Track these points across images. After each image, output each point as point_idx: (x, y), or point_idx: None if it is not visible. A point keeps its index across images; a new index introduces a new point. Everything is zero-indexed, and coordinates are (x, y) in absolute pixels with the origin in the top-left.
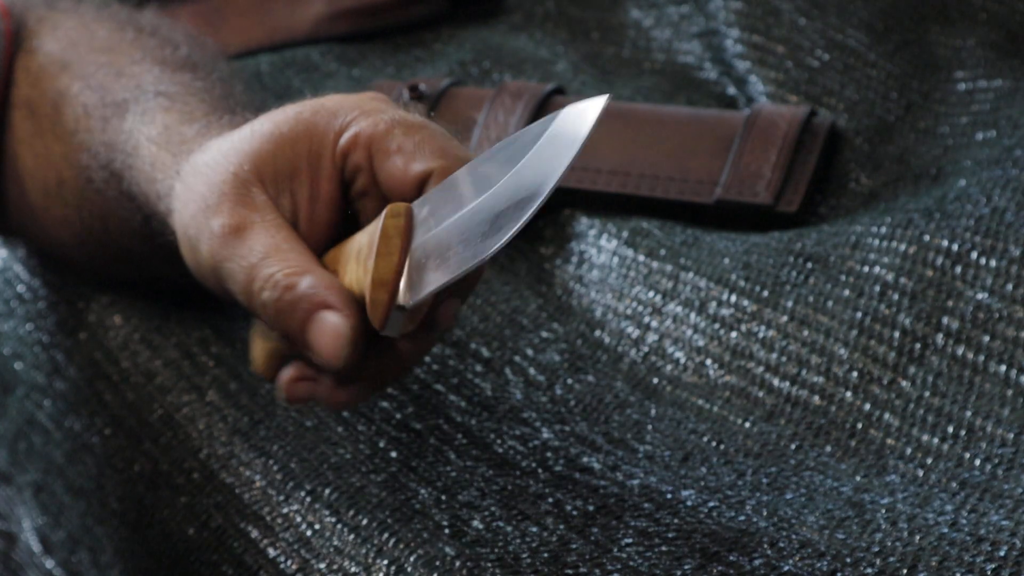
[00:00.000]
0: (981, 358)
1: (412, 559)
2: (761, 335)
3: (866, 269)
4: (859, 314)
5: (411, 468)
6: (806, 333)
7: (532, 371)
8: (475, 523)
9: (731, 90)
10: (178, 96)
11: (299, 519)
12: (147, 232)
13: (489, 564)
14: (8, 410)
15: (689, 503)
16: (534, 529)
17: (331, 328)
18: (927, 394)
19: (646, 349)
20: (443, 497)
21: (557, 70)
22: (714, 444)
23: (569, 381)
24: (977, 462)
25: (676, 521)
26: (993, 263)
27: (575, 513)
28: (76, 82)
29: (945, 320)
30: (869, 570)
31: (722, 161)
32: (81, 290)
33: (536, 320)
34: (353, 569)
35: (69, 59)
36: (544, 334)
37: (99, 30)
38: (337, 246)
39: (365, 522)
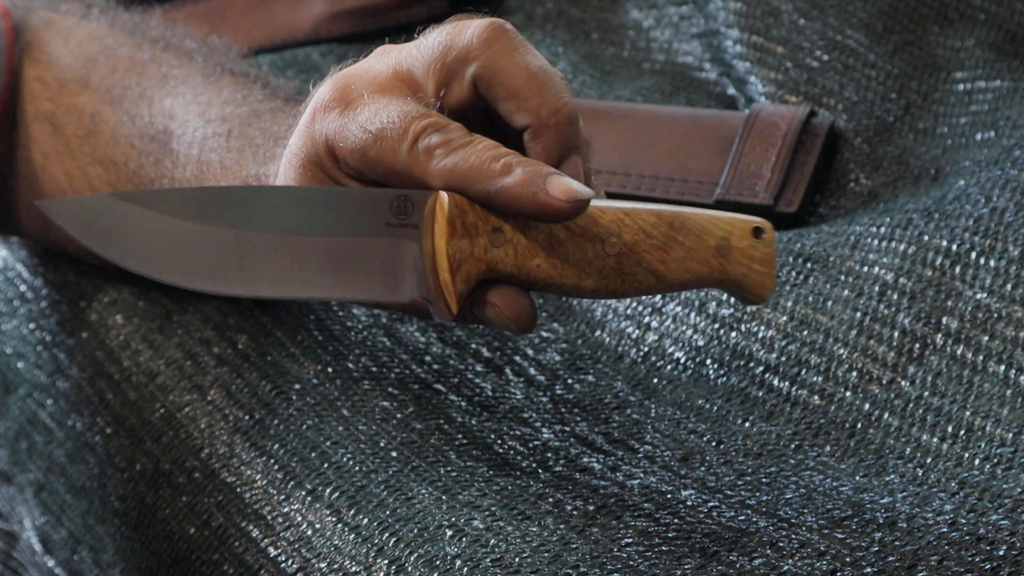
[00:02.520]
0: (980, 358)
1: (412, 559)
2: (761, 335)
3: (865, 269)
4: (858, 314)
5: (412, 468)
6: (806, 333)
7: (532, 371)
8: (475, 523)
9: (731, 90)
10: (218, 128)
11: (300, 518)
12: None
13: (489, 564)
14: (10, 409)
15: (689, 503)
16: (534, 529)
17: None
18: (926, 394)
19: (646, 349)
20: (444, 497)
21: (557, 70)
22: (714, 444)
23: (569, 381)
24: (976, 462)
25: (676, 521)
26: (992, 263)
27: (575, 513)
28: (105, 107)
29: (944, 320)
30: (869, 570)
31: (722, 161)
32: (83, 289)
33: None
34: (354, 568)
35: (90, 78)
36: (544, 334)
37: (116, 47)
38: None
39: (366, 521)
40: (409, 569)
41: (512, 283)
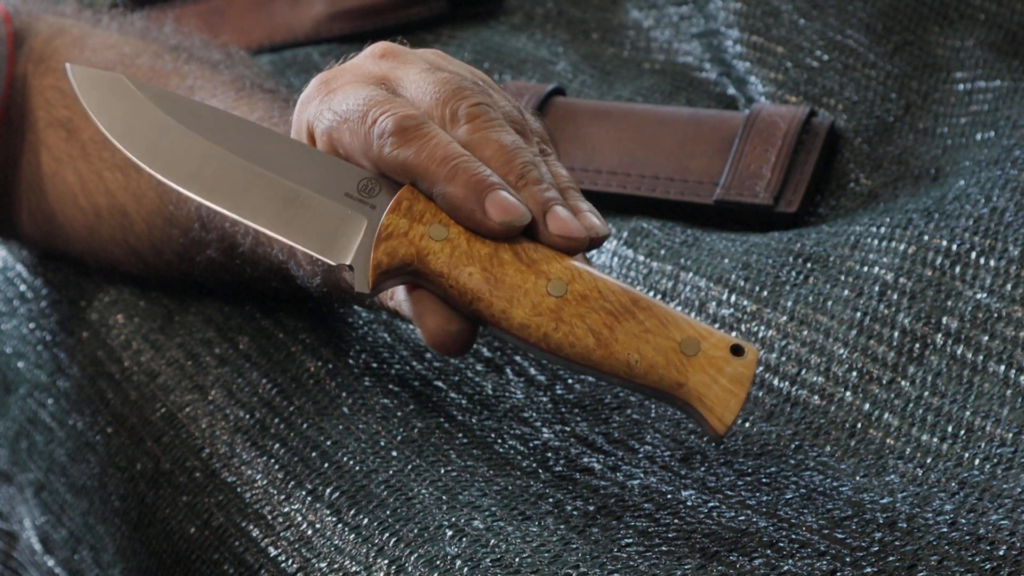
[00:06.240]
0: (980, 358)
1: (413, 558)
2: (761, 335)
3: (865, 269)
4: (858, 314)
5: (412, 467)
6: (806, 333)
7: (533, 371)
8: (476, 523)
9: (731, 90)
10: None
11: (300, 518)
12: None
13: (489, 564)
14: (10, 409)
15: (689, 503)
16: (534, 529)
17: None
18: (926, 394)
19: None
20: (444, 497)
21: (557, 70)
22: (714, 444)
23: (569, 381)
24: (976, 462)
25: (676, 521)
26: (992, 263)
27: (575, 513)
28: None
29: (944, 320)
30: (869, 570)
31: (722, 161)
32: (83, 289)
33: None
34: (354, 568)
35: None
36: None
37: (134, 56)
38: None
39: (366, 521)
40: (409, 569)
41: (444, 291)
